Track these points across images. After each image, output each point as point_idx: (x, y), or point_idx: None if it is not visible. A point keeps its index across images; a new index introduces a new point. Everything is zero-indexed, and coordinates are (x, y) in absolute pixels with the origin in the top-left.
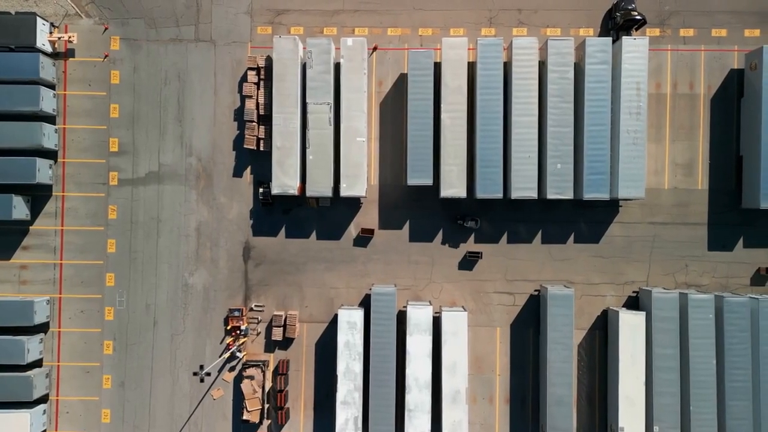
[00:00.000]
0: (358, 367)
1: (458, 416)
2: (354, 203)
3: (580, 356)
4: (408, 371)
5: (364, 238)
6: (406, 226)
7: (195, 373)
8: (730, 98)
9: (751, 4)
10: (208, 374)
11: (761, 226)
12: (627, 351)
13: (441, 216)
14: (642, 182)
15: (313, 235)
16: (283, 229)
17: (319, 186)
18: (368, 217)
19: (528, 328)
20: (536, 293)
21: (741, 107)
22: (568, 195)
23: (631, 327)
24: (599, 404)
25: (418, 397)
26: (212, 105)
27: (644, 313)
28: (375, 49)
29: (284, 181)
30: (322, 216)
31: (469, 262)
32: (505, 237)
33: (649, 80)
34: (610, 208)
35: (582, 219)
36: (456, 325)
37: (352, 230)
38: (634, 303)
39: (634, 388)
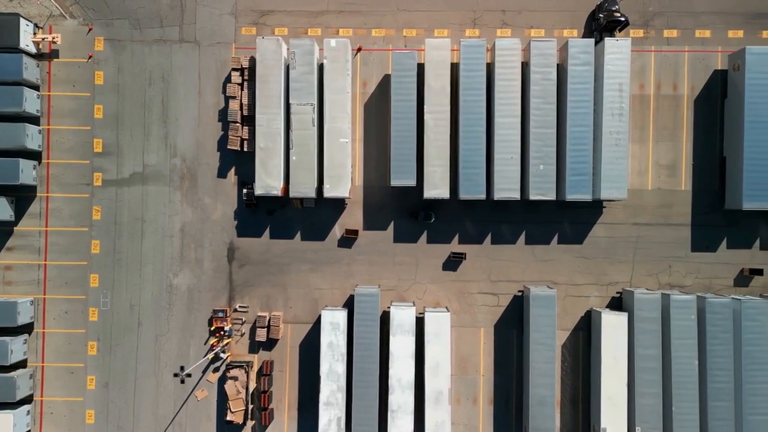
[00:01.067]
0: (342, 368)
1: (441, 417)
2: (338, 204)
3: (564, 357)
4: (391, 372)
5: (348, 239)
6: (391, 227)
7: (175, 375)
8: (714, 99)
9: (735, 5)
10: (189, 375)
11: (745, 227)
12: (609, 351)
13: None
14: (624, 183)
15: (298, 235)
16: (268, 230)
17: (303, 187)
18: (353, 217)
19: (512, 328)
20: (520, 294)
21: (724, 108)
22: (551, 196)
23: (613, 327)
24: (582, 405)
25: (401, 397)
26: (196, 106)
27: (626, 313)
28: (359, 50)
29: (267, 182)
30: (306, 217)
31: (453, 263)
32: (489, 238)
33: (633, 81)
34: (594, 209)
35: (565, 220)
36: (439, 325)
37: (337, 231)
38: (617, 304)
39: (616, 389)
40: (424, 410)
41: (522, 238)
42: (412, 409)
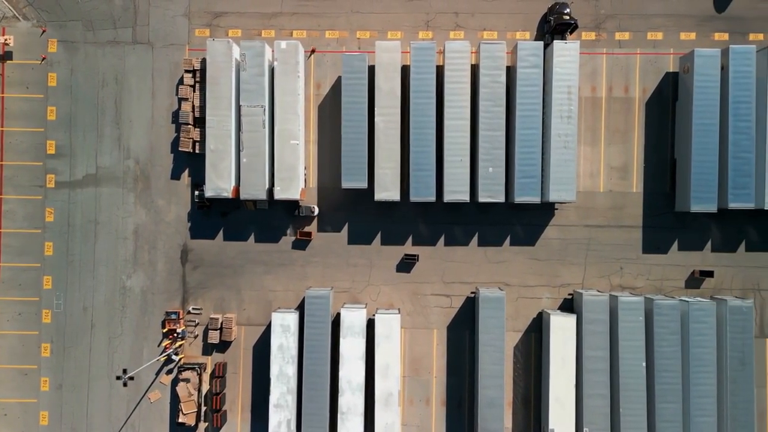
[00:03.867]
0: (292, 370)
1: (390, 418)
2: (292, 206)
3: (516, 358)
4: (341, 374)
5: (302, 241)
6: (345, 229)
7: (118, 378)
8: (665, 101)
9: (687, 7)
10: (131, 378)
11: (695, 229)
12: (558, 353)
13: (380, 219)
14: (573, 186)
15: (252, 237)
16: (221, 232)
17: (254, 189)
18: (307, 219)
19: (464, 330)
20: (472, 295)
21: (676, 110)
22: (500, 198)
23: (562, 329)
24: (534, 406)
25: (351, 399)
26: (150, 107)
27: (575, 315)
28: (313, 51)
29: (218, 183)
30: (260, 219)
31: (406, 265)
32: (442, 239)
33: (585, 84)
34: (546, 210)
35: (518, 222)
36: (389, 327)
37: (290, 233)
38: (569, 305)
39: (564, 390)
40: (374, 412)
41: (475, 239)
42: (362, 411)
